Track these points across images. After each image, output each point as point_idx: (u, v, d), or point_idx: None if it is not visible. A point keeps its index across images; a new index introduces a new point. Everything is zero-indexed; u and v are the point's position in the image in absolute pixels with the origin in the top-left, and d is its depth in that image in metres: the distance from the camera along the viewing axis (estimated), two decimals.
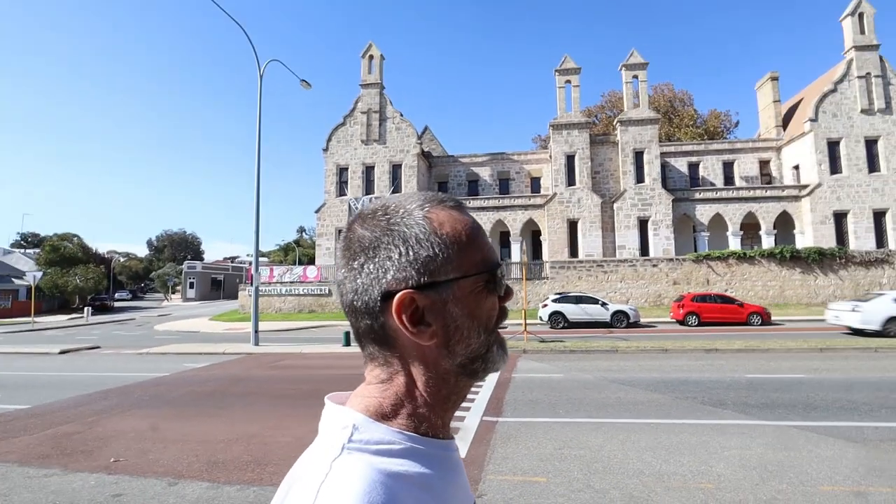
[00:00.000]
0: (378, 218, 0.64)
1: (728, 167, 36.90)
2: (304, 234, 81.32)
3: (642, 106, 34.83)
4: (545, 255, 33.80)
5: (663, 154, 36.17)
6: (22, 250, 57.02)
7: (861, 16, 32.61)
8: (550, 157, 35.89)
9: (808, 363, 11.02)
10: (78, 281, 46.31)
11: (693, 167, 37.15)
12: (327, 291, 32.11)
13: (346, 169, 36.38)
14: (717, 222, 33.18)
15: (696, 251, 31.37)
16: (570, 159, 34.60)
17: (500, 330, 0.69)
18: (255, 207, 17.39)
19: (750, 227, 33.22)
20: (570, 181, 34.36)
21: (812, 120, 32.24)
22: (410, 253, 0.61)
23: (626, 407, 7.44)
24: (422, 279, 0.61)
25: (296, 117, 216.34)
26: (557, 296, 23.65)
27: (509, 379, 9.75)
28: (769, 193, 33.22)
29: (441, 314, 0.62)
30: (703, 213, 33.23)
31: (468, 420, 6.75)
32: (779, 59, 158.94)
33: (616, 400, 7.90)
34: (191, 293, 60.14)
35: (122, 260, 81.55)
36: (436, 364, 0.63)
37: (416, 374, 0.64)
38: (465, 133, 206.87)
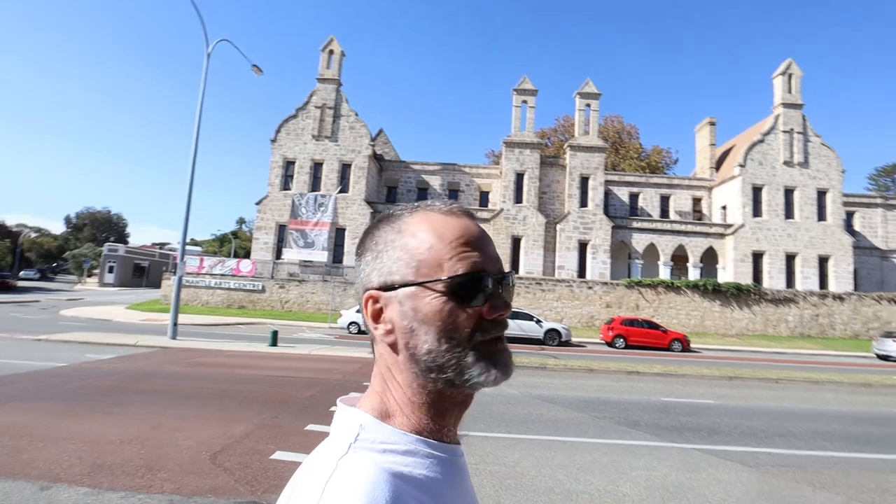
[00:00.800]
0: (379, 221, 0.71)
1: (665, 201, 39.13)
2: (243, 225, 78.10)
3: (592, 134, 36.30)
4: None
5: (607, 182, 37.83)
6: None
7: (790, 76, 35.82)
8: (501, 173, 36.57)
9: (718, 390, 11.68)
10: None
11: (633, 197, 39.07)
12: (261, 287, 30.80)
13: (294, 163, 35.24)
14: (651, 251, 34.98)
15: (629, 277, 32.87)
16: (519, 177, 35.40)
17: (495, 344, 0.66)
18: (188, 190, 16.43)
19: (680, 259, 35.26)
20: (518, 199, 35.11)
21: (741, 165, 34.86)
22: (380, 257, 0.67)
23: (547, 424, 7.52)
24: (384, 280, 0.66)
25: (247, 105, 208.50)
26: None
27: None
28: (699, 229, 35.46)
29: (398, 316, 0.65)
30: (639, 241, 34.93)
31: None
32: (720, 104, 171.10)
33: (538, 416, 7.98)
34: (109, 278, 55.86)
35: (32, 235, 74.32)
36: (406, 367, 0.65)
37: (398, 376, 0.66)
38: (420, 141, 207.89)
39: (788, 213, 34.79)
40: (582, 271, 34.23)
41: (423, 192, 38.86)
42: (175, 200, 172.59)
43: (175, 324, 15.79)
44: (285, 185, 34.98)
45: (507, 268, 0.73)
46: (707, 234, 35.25)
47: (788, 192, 34.93)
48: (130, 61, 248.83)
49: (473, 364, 0.63)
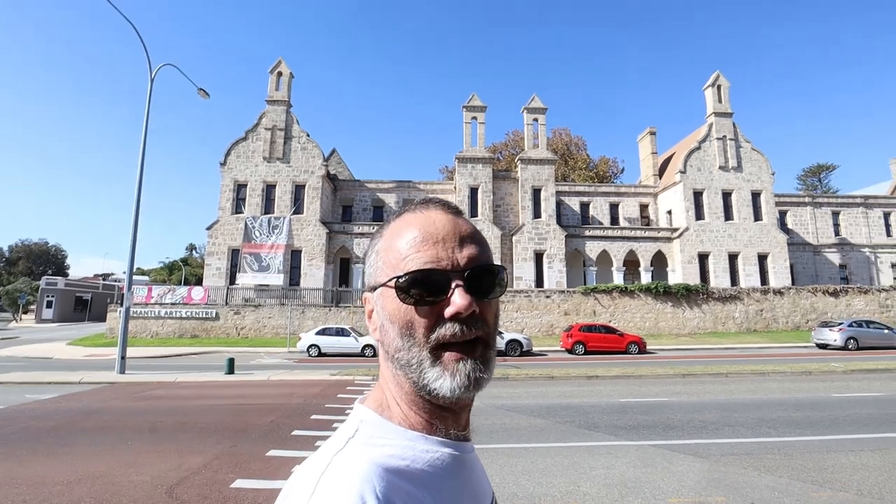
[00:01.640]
0: (380, 227, 0.76)
1: (614, 208, 40.66)
2: (193, 252, 75.18)
3: (541, 147, 37.43)
4: None
5: (559, 193, 39.00)
6: None
7: (719, 87, 38.31)
8: (455, 188, 37.03)
9: (672, 388, 12.19)
10: None
11: (584, 206, 40.40)
12: (214, 315, 29.66)
13: (245, 186, 34.38)
14: (604, 258, 36.18)
15: (585, 284, 33.81)
16: (473, 192, 35.97)
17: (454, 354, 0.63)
18: (134, 218, 15.76)
19: (631, 264, 36.60)
20: (473, 213, 35.60)
21: (681, 172, 36.77)
22: (369, 260, 0.72)
23: (510, 432, 7.65)
24: (369, 283, 0.71)
25: (195, 129, 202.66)
26: None
27: None
28: (647, 234, 37.01)
29: (377, 315, 0.69)
30: (592, 249, 36.07)
31: None
32: (660, 112, 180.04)
33: (501, 426, 8.09)
34: (48, 313, 52.37)
35: None
36: (386, 363, 0.69)
37: (385, 372, 0.70)
38: (374, 159, 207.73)
39: (728, 215, 36.88)
40: (539, 281, 34.96)
41: (378, 211, 38.78)
42: (119, 229, 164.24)
43: (123, 357, 15.00)
44: (237, 209, 34.05)
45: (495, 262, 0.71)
46: (655, 239, 36.83)
47: (726, 196, 37.09)
48: (65, 89, 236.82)
49: (430, 367, 0.63)
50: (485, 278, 0.67)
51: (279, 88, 35.82)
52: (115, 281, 65.19)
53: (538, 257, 35.37)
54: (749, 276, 35.68)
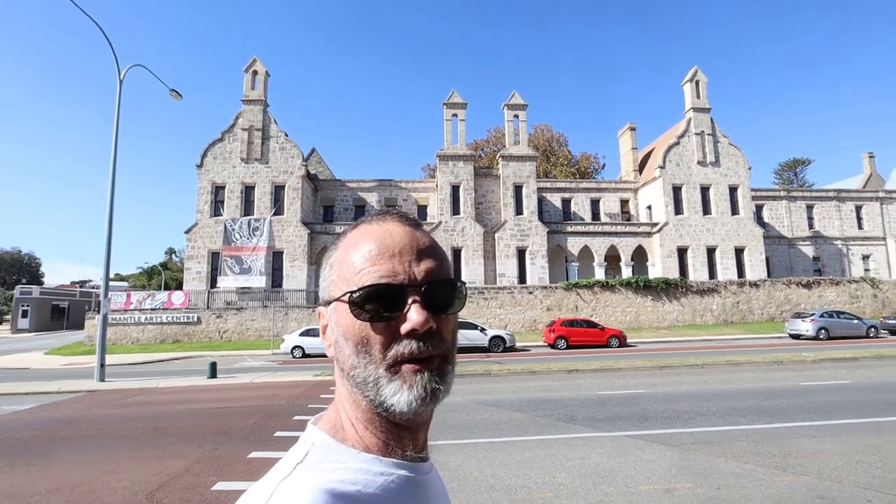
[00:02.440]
0: (335, 238, 0.73)
1: (595, 204, 41.21)
2: (173, 256, 74.05)
3: (522, 143, 37.71)
4: None
5: (540, 189, 39.37)
6: None
7: (697, 83, 39.00)
8: (437, 186, 37.13)
9: (650, 379, 12.49)
10: None
11: (566, 202, 40.87)
12: (196, 319, 29.35)
13: (223, 187, 34.01)
14: (586, 253, 36.66)
15: (567, 280, 34.21)
16: (455, 189, 36.10)
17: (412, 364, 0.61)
18: (108, 222, 15.54)
19: (612, 259, 37.14)
20: (455, 210, 35.75)
21: (661, 167, 37.40)
22: (323, 274, 0.71)
23: (490, 427, 7.80)
24: (323, 297, 0.69)
25: (169, 131, 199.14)
26: None
27: None
28: (628, 229, 37.59)
29: (331, 331, 0.67)
30: (574, 244, 36.51)
31: None
32: (643, 108, 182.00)
33: (481, 420, 8.24)
34: (23, 323, 51.07)
35: None
36: (342, 381, 0.66)
37: (342, 390, 0.67)
38: (355, 158, 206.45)
39: (706, 210, 37.64)
40: (522, 277, 35.27)
41: (360, 210, 38.71)
42: (95, 235, 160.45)
43: (102, 365, 14.79)
44: (216, 211, 33.67)
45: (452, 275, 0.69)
46: (636, 234, 37.43)
47: (704, 190, 37.84)
48: (32, 94, 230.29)
49: (387, 384, 0.60)
50: (443, 293, 0.65)
51: (255, 88, 35.45)
52: (93, 287, 63.84)
53: (521, 254, 35.66)
54: (726, 270, 36.48)
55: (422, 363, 0.61)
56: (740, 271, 36.91)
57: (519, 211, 36.26)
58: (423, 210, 39.23)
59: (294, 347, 22.39)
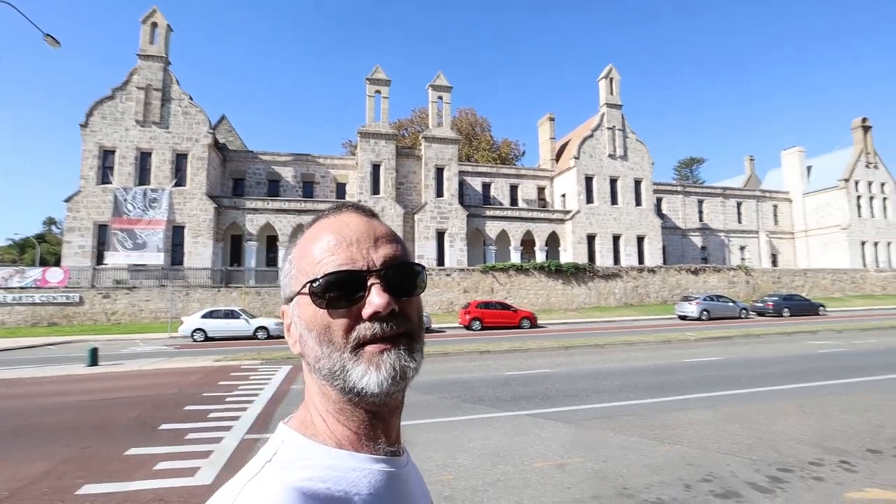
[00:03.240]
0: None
1: (514, 190, 42.37)
2: (53, 227, 65.84)
3: (445, 126, 37.66)
4: None
5: (462, 172, 39.69)
6: None
7: (611, 80, 41.08)
8: (357, 164, 36.13)
9: (555, 359, 13.11)
10: None
11: (486, 187, 41.60)
12: (78, 299, 26.27)
13: (114, 152, 30.33)
14: (503, 237, 37.69)
15: (485, 263, 35.03)
16: (375, 168, 35.34)
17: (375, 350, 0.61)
18: None
19: (528, 243, 38.55)
20: (375, 190, 35.07)
21: (575, 157, 39.18)
22: (283, 270, 0.70)
23: None
24: (285, 294, 0.68)
25: (48, 85, 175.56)
26: None
27: (287, 391, 9.30)
28: (543, 215, 39.13)
29: (294, 326, 0.66)
30: (492, 228, 37.37)
31: (226, 441, 6.15)
32: (563, 99, 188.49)
33: None
34: None
35: None
36: (310, 376, 0.66)
37: (311, 386, 0.66)
38: (271, 130, 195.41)
39: (614, 200, 40.15)
40: (441, 259, 35.57)
41: (274, 185, 36.70)
42: None
43: None
44: (104, 178, 30.03)
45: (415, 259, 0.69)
46: (550, 220, 39.09)
47: (613, 182, 40.29)
48: None
49: (353, 367, 0.60)
50: (403, 276, 0.65)
51: (154, 42, 31.89)
52: None
53: (440, 236, 35.87)
54: (629, 256, 39.31)
55: (388, 342, 0.62)
56: (640, 258, 39.95)
57: (440, 193, 36.34)
58: (341, 188, 38.02)
59: (195, 330, 20.89)
